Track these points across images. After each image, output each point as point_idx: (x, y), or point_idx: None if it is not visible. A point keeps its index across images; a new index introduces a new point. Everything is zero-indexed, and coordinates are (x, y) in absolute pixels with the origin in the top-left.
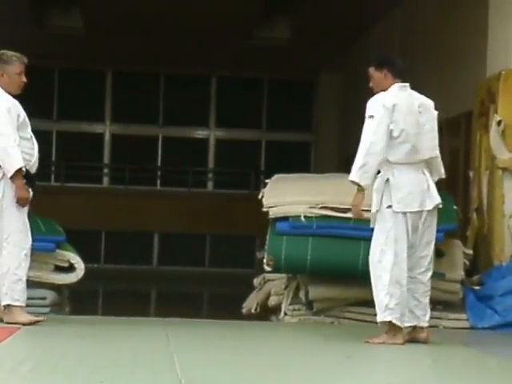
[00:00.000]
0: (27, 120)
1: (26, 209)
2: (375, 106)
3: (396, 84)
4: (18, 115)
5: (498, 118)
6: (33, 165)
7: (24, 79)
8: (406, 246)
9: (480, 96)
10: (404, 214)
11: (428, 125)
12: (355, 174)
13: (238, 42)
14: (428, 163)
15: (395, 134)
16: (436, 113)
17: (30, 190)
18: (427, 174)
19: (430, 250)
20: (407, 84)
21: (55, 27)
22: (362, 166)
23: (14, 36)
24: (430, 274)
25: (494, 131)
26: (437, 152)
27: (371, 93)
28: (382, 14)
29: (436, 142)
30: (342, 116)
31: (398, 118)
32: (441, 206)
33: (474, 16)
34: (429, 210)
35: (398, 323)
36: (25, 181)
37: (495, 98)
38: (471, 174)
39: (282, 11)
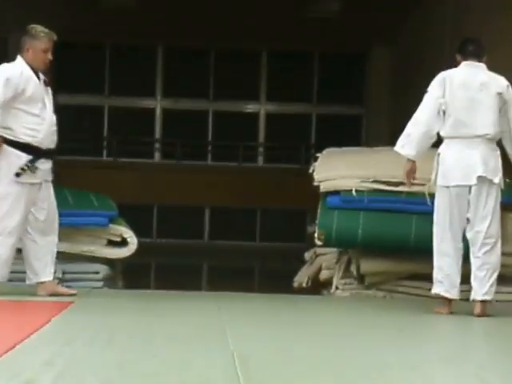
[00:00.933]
0: (37, 96)
1: (16, 183)
2: (433, 81)
3: (463, 62)
4: (22, 88)
5: None
6: (41, 140)
7: (50, 56)
8: (454, 219)
9: None
10: (447, 187)
11: (486, 101)
12: (398, 144)
13: (288, 15)
14: (504, 139)
15: (443, 107)
16: (500, 91)
17: (37, 165)
18: (486, 150)
19: (485, 226)
20: (475, 62)
21: (106, 2)
22: (406, 136)
23: (67, 13)
24: (486, 248)
25: None
26: (495, 129)
27: (423, 66)
28: None
29: (495, 118)
30: (394, 89)
31: (448, 91)
32: (497, 181)
33: None
34: (477, 184)
35: (445, 295)
36: (22, 153)
37: None
38: None
39: None
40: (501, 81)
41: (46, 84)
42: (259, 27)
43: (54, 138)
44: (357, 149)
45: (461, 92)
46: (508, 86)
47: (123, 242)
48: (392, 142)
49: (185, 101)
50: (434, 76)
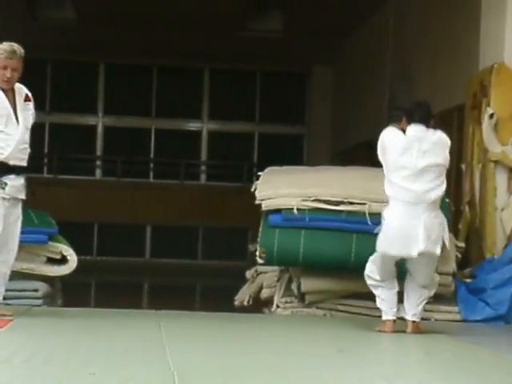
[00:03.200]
0: (0, 112)
1: None
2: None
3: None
4: None
5: (490, 111)
6: (7, 157)
7: (8, 74)
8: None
9: (472, 89)
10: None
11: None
12: None
13: (231, 35)
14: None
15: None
16: (442, 160)
17: (5, 181)
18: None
19: (423, 279)
20: (421, 127)
21: (48, 19)
22: None
23: (7, 28)
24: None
25: (486, 124)
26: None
27: (363, 85)
28: (374, 7)
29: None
30: (335, 109)
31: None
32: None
33: (467, 9)
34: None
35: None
36: None
37: (487, 91)
38: (463, 167)
39: (274, 4)
40: (440, 146)
41: (27, 100)
42: (201, 46)
43: (24, 156)
44: (298, 168)
45: (402, 157)
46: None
47: (63, 260)
48: (333, 161)
49: (127, 118)
50: (374, 96)
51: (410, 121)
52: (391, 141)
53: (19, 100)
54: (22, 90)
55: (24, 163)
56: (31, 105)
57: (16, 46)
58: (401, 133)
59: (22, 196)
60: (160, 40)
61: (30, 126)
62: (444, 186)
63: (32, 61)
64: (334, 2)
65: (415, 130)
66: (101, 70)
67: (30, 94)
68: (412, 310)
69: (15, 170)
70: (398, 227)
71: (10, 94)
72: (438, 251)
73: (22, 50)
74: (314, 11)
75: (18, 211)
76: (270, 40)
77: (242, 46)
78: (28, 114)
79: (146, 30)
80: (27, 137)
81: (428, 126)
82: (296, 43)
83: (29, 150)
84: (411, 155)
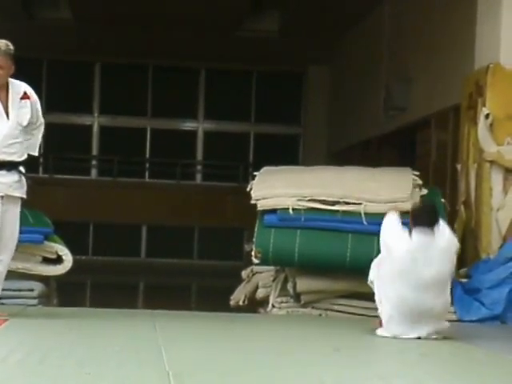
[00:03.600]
0: None
1: None
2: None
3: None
4: None
5: (486, 111)
6: None
7: None
8: None
9: (468, 89)
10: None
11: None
12: None
13: (227, 34)
14: None
15: None
16: (449, 269)
17: None
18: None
19: None
20: (427, 232)
21: (44, 19)
22: None
23: (3, 27)
24: None
25: (482, 124)
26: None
27: (359, 85)
28: (370, 8)
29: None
30: (331, 109)
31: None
32: None
33: (463, 9)
34: None
35: None
36: None
37: (483, 91)
38: (459, 167)
39: (270, 3)
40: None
41: (24, 97)
42: (197, 45)
43: (13, 150)
44: (294, 168)
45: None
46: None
47: (58, 260)
48: (328, 161)
49: (122, 118)
50: (370, 96)
51: (415, 224)
52: (396, 245)
53: (14, 97)
54: (19, 87)
55: (15, 158)
56: (29, 102)
57: (3, 43)
58: (406, 234)
59: (18, 194)
60: (156, 39)
61: (24, 123)
62: (449, 299)
63: (28, 60)
64: (329, 1)
65: (420, 237)
66: (97, 69)
67: (29, 92)
68: None
69: (5, 166)
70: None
71: (3, 92)
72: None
73: (11, 47)
74: (310, 11)
75: (15, 210)
76: (266, 40)
77: (238, 45)
78: (23, 111)
79: (142, 30)
80: (17, 133)
81: (434, 229)
82: (292, 43)
83: (26, 148)
84: (416, 266)
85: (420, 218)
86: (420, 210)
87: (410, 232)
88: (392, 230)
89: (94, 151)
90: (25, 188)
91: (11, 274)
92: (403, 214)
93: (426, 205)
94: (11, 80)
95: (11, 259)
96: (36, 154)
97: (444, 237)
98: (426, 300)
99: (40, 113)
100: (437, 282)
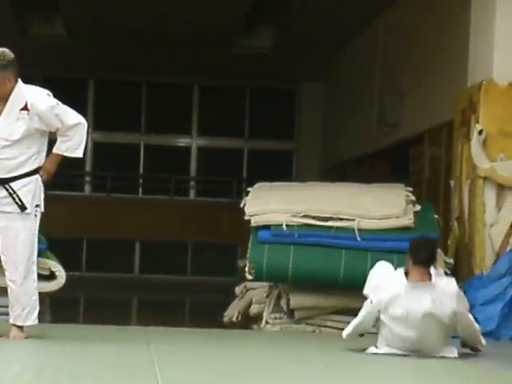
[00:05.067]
0: None
1: None
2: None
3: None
4: None
5: (479, 127)
6: None
7: None
8: None
9: (461, 105)
10: None
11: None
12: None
13: (220, 51)
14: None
15: None
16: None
17: None
18: None
19: None
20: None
21: (38, 35)
22: None
23: None
24: None
25: (475, 141)
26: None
27: (352, 101)
28: (363, 23)
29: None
30: (324, 124)
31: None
32: None
33: (456, 25)
34: None
35: None
36: None
37: (476, 107)
38: (452, 183)
39: (264, 20)
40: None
41: (23, 108)
42: (191, 62)
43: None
44: (288, 184)
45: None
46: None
47: (52, 276)
48: (322, 177)
49: (116, 134)
50: (363, 112)
51: (414, 262)
52: (390, 298)
53: (12, 109)
54: (23, 97)
55: (3, 175)
56: (27, 114)
57: None
58: (400, 282)
59: (9, 209)
60: (149, 56)
61: (16, 136)
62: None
63: (21, 77)
64: (322, 18)
65: (418, 279)
66: (90, 85)
67: (32, 102)
68: None
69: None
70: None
71: (1, 103)
72: None
73: (7, 58)
74: (303, 28)
75: (16, 227)
76: (259, 56)
77: (231, 62)
78: (18, 124)
79: (135, 46)
80: (6, 145)
81: (433, 266)
82: (285, 59)
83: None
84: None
85: (418, 253)
86: (418, 244)
87: (406, 273)
88: (388, 287)
89: (88, 167)
90: (22, 203)
91: (3, 290)
92: (396, 230)
93: (424, 239)
94: (20, 89)
95: (4, 275)
96: (78, 155)
97: (445, 280)
98: (423, 339)
99: (64, 116)
100: (434, 322)
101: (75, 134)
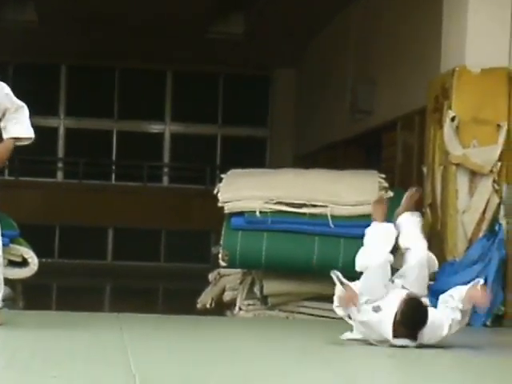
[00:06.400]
0: None
1: None
2: None
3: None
4: None
5: (451, 114)
6: None
7: None
8: None
9: (434, 92)
10: None
11: None
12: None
13: (193, 37)
14: None
15: None
16: None
17: None
18: None
19: None
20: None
21: (9, 21)
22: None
23: None
24: None
25: (447, 127)
26: None
27: (325, 88)
28: (336, 9)
29: None
30: (298, 111)
31: None
32: None
33: (428, 12)
34: None
35: None
36: None
37: (449, 94)
38: (425, 169)
39: (236, 6)
40: None
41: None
42: (164, 48)
43: None
44: (261, 170)
45: None
46: None
47: (24, 263)
48: (295, 163)
49: (89, 120)
50: (336, 99)
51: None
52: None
53: None
54: None
55: None
56: None
57: None
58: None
59: None
60: (122, 42)
61: None
62: None
63: None
64: (295, 4)
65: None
66: (62, 71)
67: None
68: None
69: None
70: None
71: None
72: None
73: None
74: (276, 14)
75: None
76: (233, 42)
77: (203, 48)
78: None
79: (109, 32)
80: None
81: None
82: (258, 46)
83: None
84: None
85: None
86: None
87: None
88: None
89: (60, 153)
90: None
91: None
92: (369, 217)
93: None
94: None
95: None
96: (31, 135)
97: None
98: None
99: (13, 97)
100: None
101: (23, 115)
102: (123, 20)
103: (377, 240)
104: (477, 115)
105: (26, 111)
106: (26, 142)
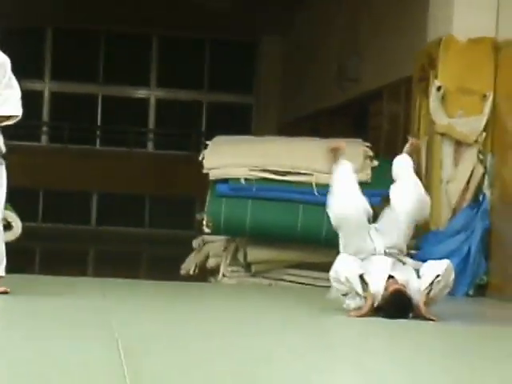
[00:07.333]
0: None
1: None
2: None
3: None
4: None
5: (437, 83)
6: None
7: None
8: None
9: (420, 61)
10: None
11: None
12: None
13: (180, 2)
14: None
15: None
16: None
17: None
18: None
19: None
20: None
21: None
22: None
23: None
24: None
25: (433, 97)
26: None
27: (311, 57)
28: None
29: None
30: (283, 80)
31: None
32: None
33: None
34: None
35: None
36: None
37: (435, 63)
38: (410, 138)
39: None
40: None
41: None
42: (150, 12)
43: None
44: (246, 138)
45: None
46: None
47: (7, 226)
48: (280, 131)
49: (74, 84)
50: (322, 67)
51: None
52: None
53: None
54: None
55: None
56: None
57: None
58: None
59: None
60: (109, 5)
61: None
62: None
63: None
64: None
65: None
66: (48, 34)
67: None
68: None
69: None
70: None
71: None
72: None
73: None
74: None
75: None
76: (220, 8)
77: (190, 13)
78: None
79: None
80: None
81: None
82: (245, 13)
83: None
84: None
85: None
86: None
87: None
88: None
89: (45, 117)
90: None
91: None
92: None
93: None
94: None
95: None
96: (19, 112)
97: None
98: None
99: (9, 72)
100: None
101: (12, 95)
102: None
103: (344, 185)
104: (463, 85)
105: (16, 92)
106: (10, 122)
